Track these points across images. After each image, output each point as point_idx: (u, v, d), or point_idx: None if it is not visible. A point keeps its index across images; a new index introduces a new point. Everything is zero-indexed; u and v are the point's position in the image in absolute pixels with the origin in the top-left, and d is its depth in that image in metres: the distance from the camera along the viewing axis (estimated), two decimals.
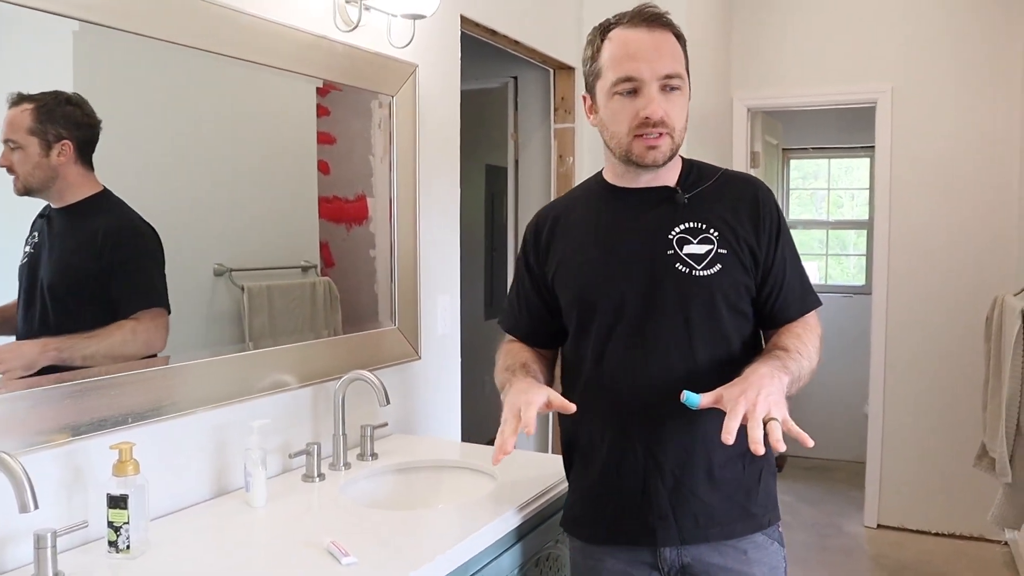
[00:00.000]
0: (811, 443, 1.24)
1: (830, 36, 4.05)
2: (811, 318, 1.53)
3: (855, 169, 5.74)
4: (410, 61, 2.18)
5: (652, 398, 1.43)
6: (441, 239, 2.42)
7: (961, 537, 3.91)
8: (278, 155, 1.87)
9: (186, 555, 1.41)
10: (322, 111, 1.97)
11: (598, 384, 1.49)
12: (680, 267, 1.44)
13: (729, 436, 1.23)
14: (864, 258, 5.61)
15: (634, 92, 1.41)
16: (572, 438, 1.58)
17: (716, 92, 3.94)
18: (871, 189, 5.45)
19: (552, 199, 3.35)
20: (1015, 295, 2.94)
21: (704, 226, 1.46)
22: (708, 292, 1.44)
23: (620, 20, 1.44)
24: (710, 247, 1.45)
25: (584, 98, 1.53)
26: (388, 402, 1.83)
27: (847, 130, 5.31)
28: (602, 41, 1.45)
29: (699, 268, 1.44)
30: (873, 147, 4.29)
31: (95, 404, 1.43)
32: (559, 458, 1.71)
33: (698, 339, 1.44)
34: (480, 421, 3.22)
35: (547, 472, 1.84)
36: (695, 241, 1.45)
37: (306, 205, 1.96)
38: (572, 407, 1.40)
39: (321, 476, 1.81)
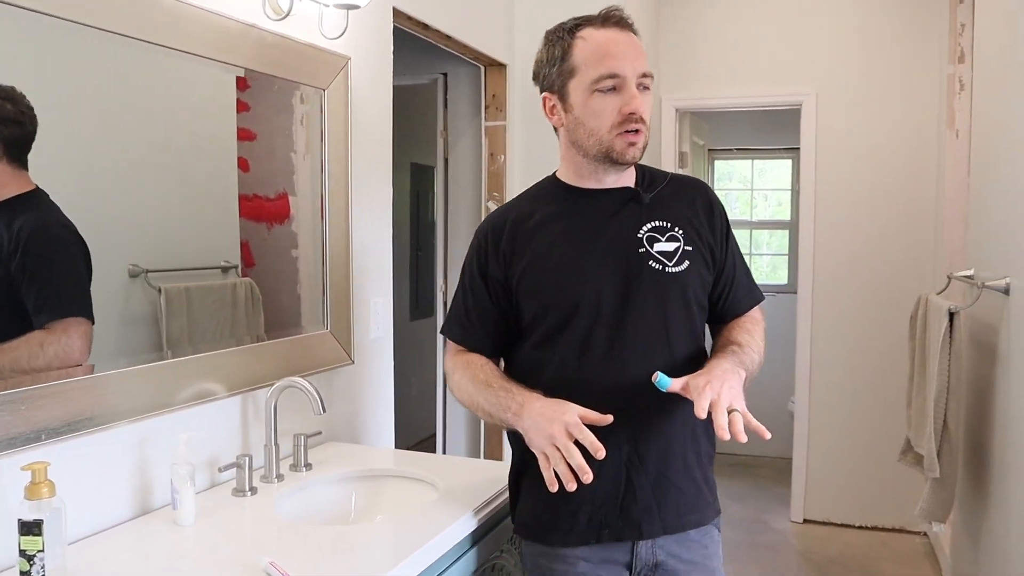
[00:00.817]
0: (768, 435, 1.34)
1: (758, 39, 4.09)
2: (756, 312, 1.63)
3: (771, 170, 5.85)
4: (343, 53, 2.09)
5: (634, 394, 1.44)
6: (374, 240, 2.33)
7: (884, 529, 4.01)
8: (197, 150, 1.76)
9: None
10: (241, 106, 1.86)
11: (575, 384, 1.45)
12: (654, 264, 1.48)
13: (702, 412, 1.30)
14: (779, 257, 5.73)
15: (614, 89, 1.44)
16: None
17: None
18: (792, 190, 5.56)
19: (484, 197, 3.30)
20: (938, 294, 3.01)
21: (669, 224, 1.51)
22: (680, 288, 1.49)
23: (589, 21, 1.47)
24: (677, 244, 1.50)
25: (545, 98, 1.52)
26: (324, 410, 1.74)
27: (770, 131, 5.40)
28: (572, 40, 1.47)
29: (670, 265, 1.49)
30: (795, 148, 4.38)
31: (2, 421, 1.30)
32: (498, 464, 1.73)
33: (674, 334, 1.49)
34: (407, 424, 3.14)
35: (488, 478, 1.79)
36: (663, 239, 1.50)
37: (226, 203, 1.84)
38: (608, 419, 1.37)
39: (253, 490, 1.70)
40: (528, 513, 1.55)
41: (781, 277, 5.72)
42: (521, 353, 1.56)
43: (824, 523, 4.09)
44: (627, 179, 1.55)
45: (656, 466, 1.47)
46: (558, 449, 1.34)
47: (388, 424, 2.43)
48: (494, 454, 3.35)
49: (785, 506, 4.23)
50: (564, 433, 1.34)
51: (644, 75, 1.45)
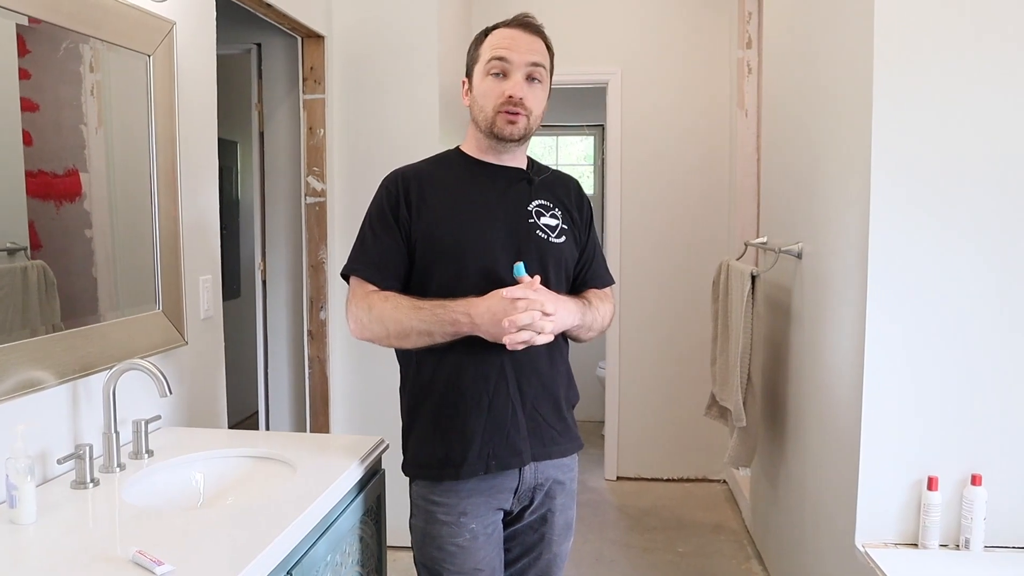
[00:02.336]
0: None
1: (566, 17, 4.22)
2: (607, 291, 1.86)
3: (573, 145, 6.08)
4: (167, 17, 1.97)
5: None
6: (202, 216, 2.23)
7: (689, 480, 4.33)
8: None
9: None
10: (23, 74, 1.67)
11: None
12: (540, 234, 1.71)
13: (515, 289, 1.55)
14: None
15: (503, 75, 1.65)
16: (427, 386, 1.67)
17: (458, 69, 3.98)
18: (595, 165, 5.82)
19: (303, 172, 3.23)
20: (738, 259, 3.28)
21: (551, 204, 1.76)
22: (560, 256, 1.73)
23: (506, 23, 1.70)
24: (557, 221, 1.74)
25: (463, 82, 1.75)
26: (170, 392, 1.66)
27: (574, 109, 5.60)
28: (485, 37, 1.70)
29: (553, 236, 1.72)
30: (599, 125, 4.58)
31: None
32: (350, 438, 1.89)
33: (556, 292, 1.67)
34: (231, 402, 3.02)
35: (344, 456, 1.77)
36: (547, 215, 1.73)
37: (9, 179, 1.65)
38: (536, 280, 1.58)
39: (95, 481, 1.60)
40: (422, 454, 1.68)
41: None
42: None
43: (636, 479, 4.36)
44: (520, 162, 1.77)
45: (536, 404, 1.69)
46: (519, 320, 1.52)
47: (223, 405, 2.35)
48: (322, 430, 3.31)
49: (599, 466, 4.46)
50: (524, 307, 1.53)
51: (533, 64, 1.65)
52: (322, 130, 3.24)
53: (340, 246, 3.32)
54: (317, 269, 3.27)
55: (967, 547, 2.06)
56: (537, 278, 1.58)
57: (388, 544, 1.97)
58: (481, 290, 1.59)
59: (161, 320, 2.01)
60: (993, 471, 2.08)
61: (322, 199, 3.24)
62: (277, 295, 3.40)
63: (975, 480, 2.06)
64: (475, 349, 1.62)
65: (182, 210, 2.08)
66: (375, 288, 1.66)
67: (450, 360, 1.64)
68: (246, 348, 3.51)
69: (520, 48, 1.65)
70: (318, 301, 3.28)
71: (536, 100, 1.68)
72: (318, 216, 3.26)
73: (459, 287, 1.61)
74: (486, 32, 1.72)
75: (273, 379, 3.44)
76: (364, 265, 1.68)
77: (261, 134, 3.37)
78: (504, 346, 1.56)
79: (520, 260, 1.62)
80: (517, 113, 1.65)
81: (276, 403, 3.43)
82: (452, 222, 1.66)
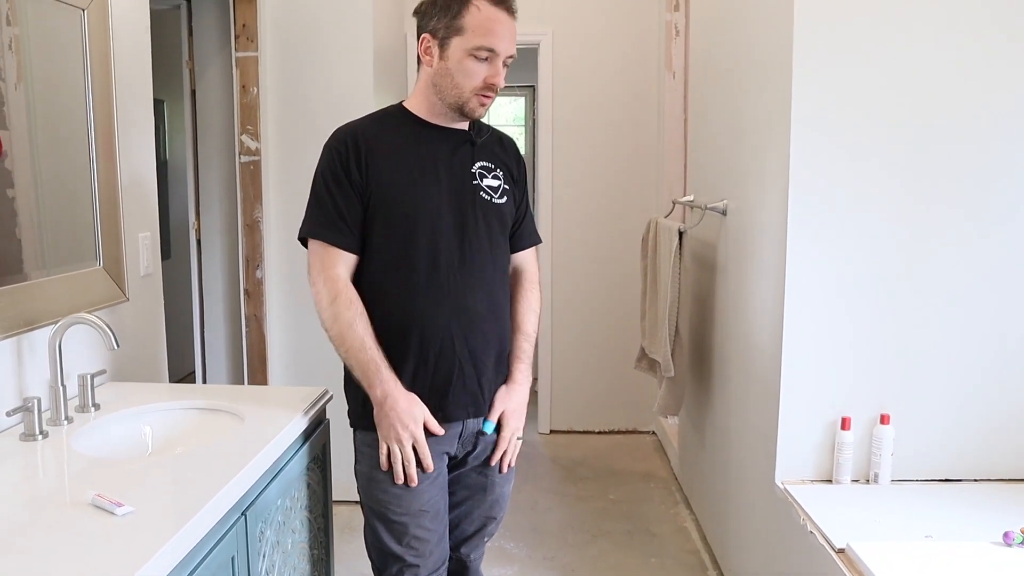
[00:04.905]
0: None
1: None
2: (534, 267, 1.96)
3: (506, 105, 6.12)
4: None
5: (470, 300, 1.73)
6: (138, 173, 2.23)
7: (618, 432, 4.49)
8: None
9: None
10: None
11: (422, 291, 1.70)
12: (483, 195, 1.78)
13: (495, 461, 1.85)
14: None
15: (486, 59, 1.67)
16: (383, 337, 1.70)
17: (391, 28, 3.98)
18: (526, 125, 5.88)
19: (237, 131, 3.21)
20: (666, 217, 3.39)
21: (493, 165, 1.82)
22: (500, 216, 1.82)
23: None
24: (499, 182, 1.82)
25: (425, 39, 1.70)
26: (117, 345, 1.68)
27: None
28: (467, 4, 1.66)
29: (495, 197, 1.80)
30: (530, 86, 4.64)
31: None
32: (296, 389, 1.96)
33: (496, 250, 1.81)
34: (167, 363, 3.03)
35: (291, 405, 1.83)
36: (489, 176, 1.80)
37: None
38: (441, 431, 1.72)
39: (44, 433, 1.62)
40: (369, 405, 1.72)
41: None
42: (370, 269, 1.72)
43: (568, 432, 4.50)
44: (463, 124, 1.80)
45: (481, 358, 1.78)
46: (400, 451, 1.69)
47: (164, 362, 2.37)
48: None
49: (533, 420, 4.58)
50: (408, 443, 1.68)
51: (510, 56, 1.71)
52: (255, 88, 3.22)
53: (275, 205, 3.32)
54: (252, 228, 3.28)
55: (876, 481, 2.23)
56: (505, 441, 1.83)
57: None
58: (429, 250, 1.70)
59: (102, 276, 2.02)
60: (899, 411, 2.24)
61: (256, 158, 3.24)
62: (212, 255, 3.40)
63: (883, 420, 2.22)
64: (423, 307, 1.70)
65: (120, 167, 2.07)
66: (335, 271, 1.70)
67: (398, 317, 1.71)
68: (180, 309, 3.49)
69: (506, 38, 1.67)
70: (254, 260, 3.29)
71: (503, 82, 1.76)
72: (253, 175, 3.25)
73: (409, 247, 1.70)
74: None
75: (210, 338, 3.44)
76: (324, 228, 1.71)
77: (193, 92, 3.33)
78: (452, 305, 1.71)
79: (466, 237, 1.73)
80: (489, 96, 1.71)
81: (213, 362, 3.44)
82: (404, 184, 1.71)
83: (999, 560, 1.80)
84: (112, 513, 1.25)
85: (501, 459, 1.84)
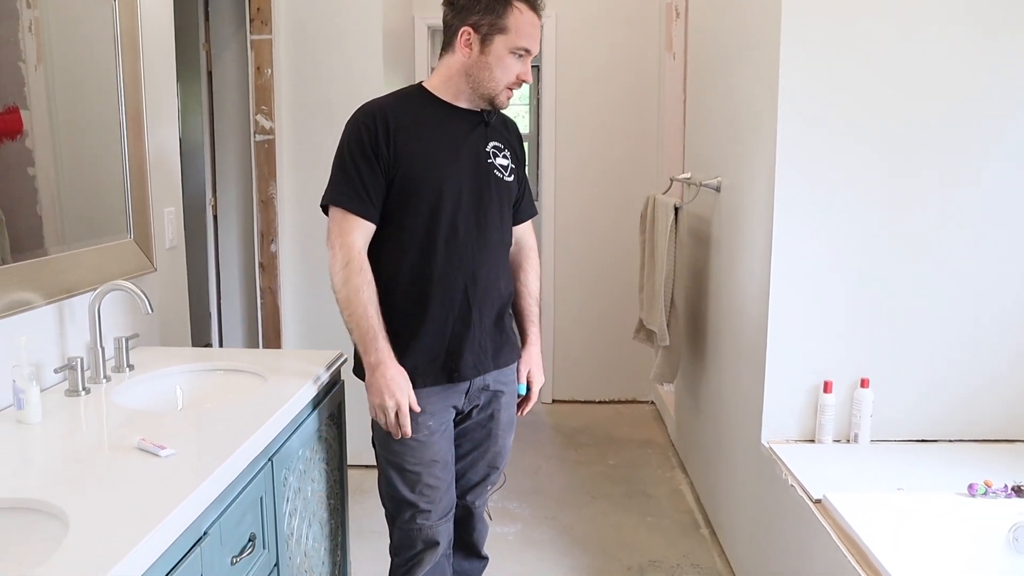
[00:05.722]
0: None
1: None
2: (531, 238, 2.15)
3: None
4: None
5: (483, 269, 1.89)
6: (163, 151, 2.37)
7: (619, 402, 4.65)
8: None
9: None
10: None
11: (446, 259, 1.84)
12: (497, 173, 1.94)
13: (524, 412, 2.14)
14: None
15: (520, 57, 1.84)
16: (393, 304, 1.86)
17: (399, 11, 4.10)
18: (530, 105, 5.99)
19: (252, 111, 3.35)
20: (663, 193, 3.53)
21: (502, 146, 1.97)
22: (510, 192, 1.99)
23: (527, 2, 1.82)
24: (507, 161, 1.97)
25: (465, 31, 1.82)
26: (152, 310, 1.84)
27: None
28: (510, 5, 1.80)
29: (505, 175, 1.96)
30: (535, 66, 4.75)
31: None
32: (313, 352, 2.11)
33: (506, 224, 2.00)
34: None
35: (309, 366, 1.98)
36: (500, 156, 1.95)
37: None
38: (418, 409, 1.86)
39: (87, 390, 1.78)
40: None
41: None
42: (394, 239, 1.86)
43: (570, 401, 4.66)
44: (477, 107, 1.92)
45: (492, 321, 1.96)
46: (384, 417, 1.83)
47: (187, 329, 2.52)
48: None
49: None
50: (392, 412, 1.82)
51: (534, 56, 1.87)
52: (269, 70, 3.36)
53: (289, 182, 3.47)
54: (267, 204, 3.42)
55: (856, 441, 2.38)
56: (534, 394, 2.11)
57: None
58: (451, 222, 1.85)
59: (133, 248, 2.17)
60: (879, 376, 2.39)
61: (271, 137, 3.38)
62: (228, 230, 3.55)
63: (863, 383, 2.36)
64: (443, 275, 1.86)
65: (148, 143, 2.22)
66: (356, 243, 1.81)
67: (420, 285, 1.86)
68: (197, 282, 3.65)
69: (538, 39, 1.85)
70: (268, 235, 3.44)
71: None
72: (267, 153, 3.40)
73: (433, 219, 1.84)
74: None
75: (226, 310, 3.60)
76: (346, 197, 1.82)
77: (209, 73, 3.47)
78: (468, 273, 1.87)
79: (482, 210, 1.89)
80: (515, 90, 1.89)
81: (229, 333, 3.60)
82: (430, 159, 1.84)
83: (962, 509, 1.96)
84: (156, 455, 1.41)
85: (522, 405, 2.11)
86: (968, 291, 2.35)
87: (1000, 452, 2.31)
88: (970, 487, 2.01)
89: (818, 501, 2.03)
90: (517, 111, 6.31)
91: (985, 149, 2.29)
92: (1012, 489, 2.00)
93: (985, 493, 1.99)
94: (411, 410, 1.84)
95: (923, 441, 2.42)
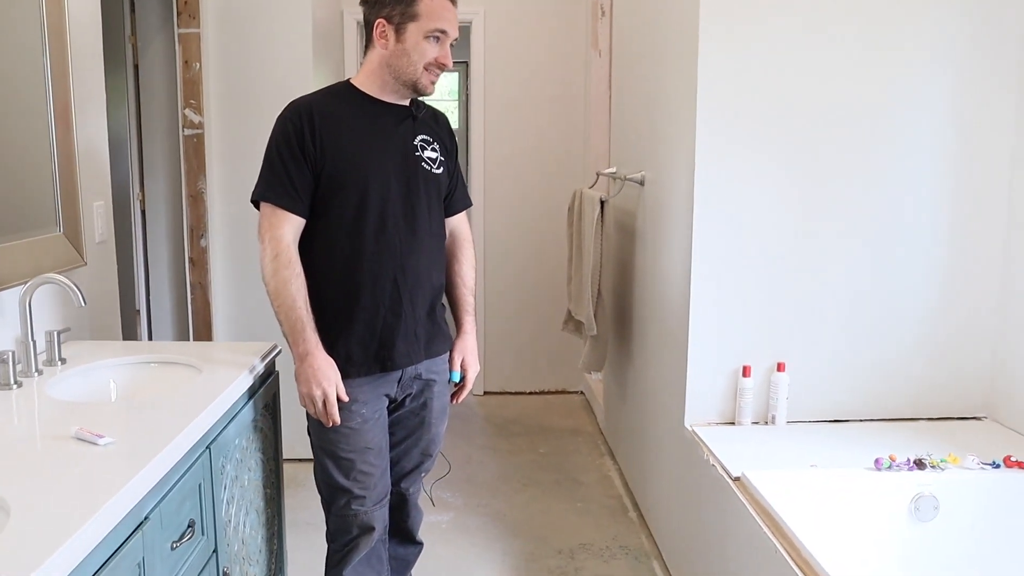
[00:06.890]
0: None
1: None
2: (467, 229, 2.22)
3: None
4: None
5: (413, 260, 1.93)
6: (91, 144, 2.36)
7: (549, 392, 4.75)
8: None
9: None
10: None
11: (375, 250, 1.88)
12: (424, 165, 1.98)
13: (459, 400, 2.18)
14: None
15: (437, 40, 1.88)
16: (323, 296, 1.90)
17: (329, 6, 4.11)
18: (460, 100, 6.04)
19: (180, 105, 3.33)
20: (590, 187, 3.62)
21: (431, 139, 2.01)
22: (438, 185, 2.03)
23: None
24: (436, 154, 2.02)
25: (379, 24, 1.88)
26: (84, 303, 1.84)
27: None
28: None
29: (434, 168, 2.01)
30: (463, 62, 4.81)
31: None
32: (248, 344, 2.12)
33: (434, 216, 2.03)
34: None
35: (244, 357, 2.01)
36: (428, 148, 2.00)
37: None
38: (346, 398, 1.90)
39: (18, 383, 1.78)
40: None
41: None
42: (324, 233, 1.90)
43: (501, 393, 4.74)
44: (404, 101, 1.98)
45: (423, 311, 2.00)
46: (312, 406, 1.89)
47: (118, 324, 2.51)
48: None
49: None
50: (320, 401, 1.87)
51: (455, 38, 1.92)
52: (198, 64, 3.34)
53: (218, 176, 3.45)
54: (196, 199, 3.41)
55: (773, 422, 2.51)
56: (469, 382, 2.15)
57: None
58: (379, 215, 1.89)
59: (62, 242, 2.16)
60: (793, 360, 2.52)
61: (199, 131, 3.36)
62: (157, 225, 3.52)
63: (780, 367, 2.49)
64: (373, 267, 1.90)
65: (77, 135, 2.20)
66: (285, 238, 1.86)
67: (351, 277, 1.90)
68: (124, 278, 3.60)
69: (454, 22, 1.90)
70: (198, 229, 3.42)
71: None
72: (196, 148, 3.38)
73: (361, 212, 1.88)
74: None
75: (155, 306, 3.57)
76: (275, 192, 1.86)
77: (136, 66, 3.43)
78: (398, 264, 1.92)
79: (410, 202, 1.93)
80: (438, 74, 1.92)
81: (159, 328, 3.57)
82: (357, 153, 1.88)
83: (869, 481, 2.09)
84: (95, 444, 1.42)
85: (457, 393, 2.16)
86: (875, 281, 2.49)
87: (904, 430, 2.46)
88: (876, 462, 2.15)
89: (737, 479, 2.14)
90: (446, 106, 6.35)
91: (889, 146, 2.43)
92: (914, 462, 2.14)
93: (890, 467, 2.13)
94: (339, 399, 1.89)
95: (835, 421, 2.56)
